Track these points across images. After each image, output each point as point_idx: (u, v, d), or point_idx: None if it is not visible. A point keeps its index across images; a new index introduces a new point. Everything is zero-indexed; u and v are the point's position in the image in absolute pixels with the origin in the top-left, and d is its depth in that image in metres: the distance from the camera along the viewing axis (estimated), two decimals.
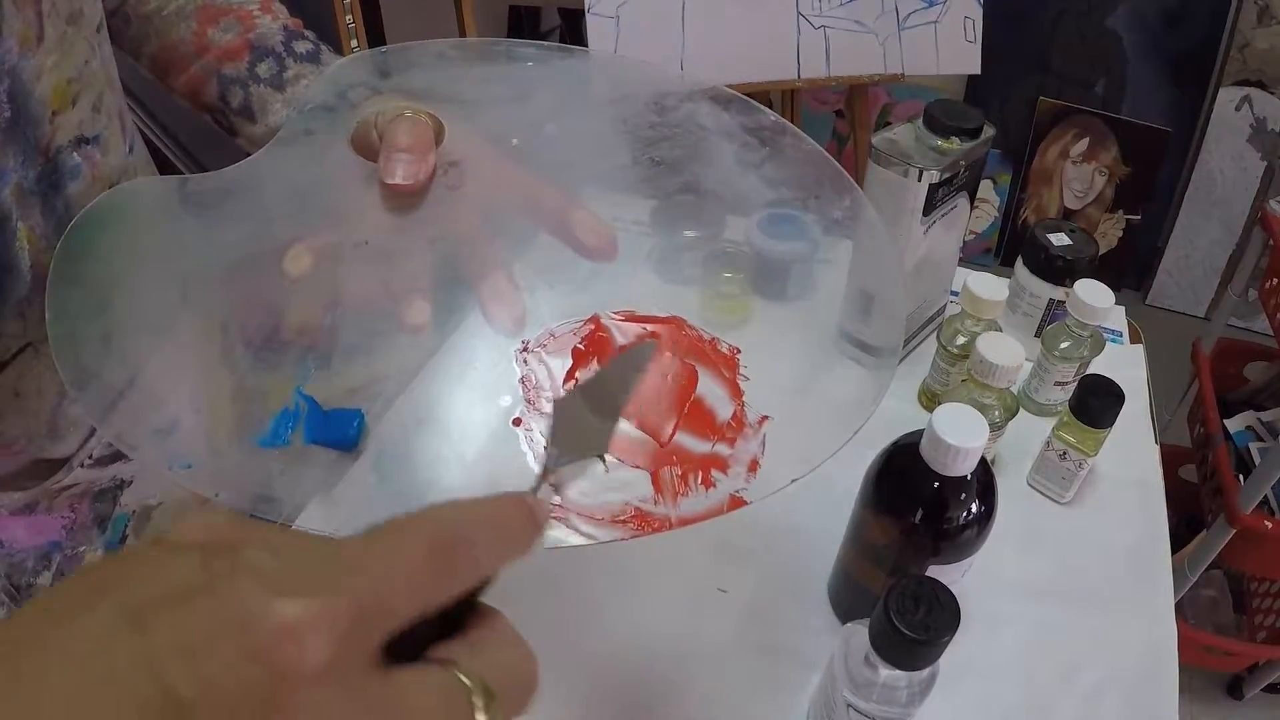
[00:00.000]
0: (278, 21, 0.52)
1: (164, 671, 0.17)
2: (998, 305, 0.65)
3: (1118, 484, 0.65)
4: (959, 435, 0.45)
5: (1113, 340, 0.77)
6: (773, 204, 0.48)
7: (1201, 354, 1.40)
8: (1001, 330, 0.64)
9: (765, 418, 0.40)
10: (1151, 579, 0.60)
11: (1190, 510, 1.35)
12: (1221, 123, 1.91)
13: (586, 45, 1.28)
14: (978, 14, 1.39)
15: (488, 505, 0.24)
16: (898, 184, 0.61)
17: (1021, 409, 0.64)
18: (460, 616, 0.23)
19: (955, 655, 0.41)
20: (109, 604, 0.18)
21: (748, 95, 0.46)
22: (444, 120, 0.41)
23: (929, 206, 0.62)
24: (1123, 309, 0.78)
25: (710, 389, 0.41)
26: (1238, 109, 1.89)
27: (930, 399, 0.70)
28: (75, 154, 0.43)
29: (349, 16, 1.34)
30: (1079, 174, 2.06)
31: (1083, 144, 2.03)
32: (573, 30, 2.09)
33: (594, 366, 0.41)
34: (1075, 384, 0.62)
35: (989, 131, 0.63)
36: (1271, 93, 1.86)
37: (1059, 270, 0.69)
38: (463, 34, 1.44)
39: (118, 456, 0.54)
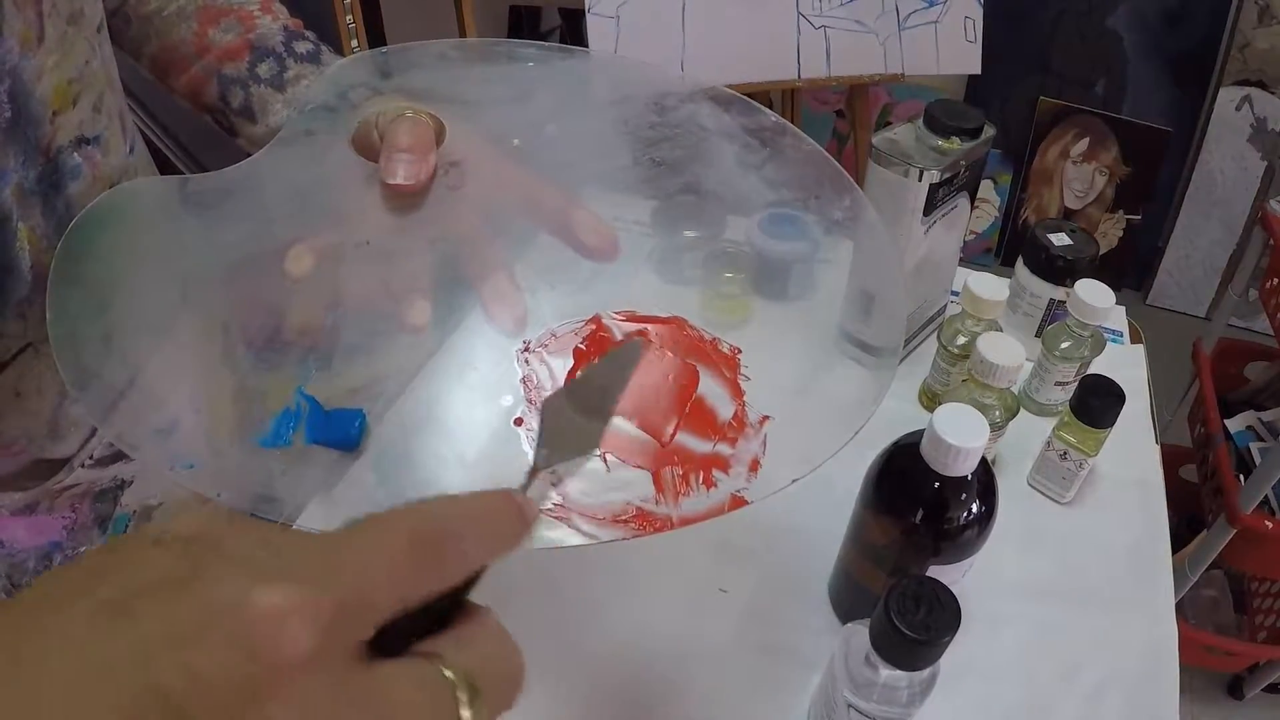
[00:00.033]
0: (278, 22, 0.52)
1: (154, 660, 0.17)
2: (998, 305, 0.65)
3: (1118, 484, 0.65)
4: (959, 435, 0.45)
5: (1113, 340, 0.77)
6: (773, 204, 0.48)
7: (1202, 354, 1.40)
8: (1002, 330, 0.64)
9: (766, 418, 0.40)
10: (1152, 579, 0.60)
11: (1191, 510, 1.35)
12: (1222, 122, 1.91)
13: (587, 45, 1.28)
14: (978, 14, 1.39)
15: (475, 500, 0.24)
16: (898, 184, 0.61)
17: (1022, 409, 0.64)
18: (448, 614, 0.23)
19: (956, 655, 0.41)
20: (103, 592, 0.18)
21: (748, 95, 0.46)
22: (445, 121, 0.41)
23: (929, 206, 0.62)
24: (1123, 309, 0.78)
25: (711, 389, 0.41)
26: (1238, 109, 1.89)
27: (931, 399, 0.70)
28: (76, 154, 0.43)
29: (349, 16, 1.34)
30: (1079, 174, 2.06)
31: (1083, 144, 2.03)
32: (573, 30, 2.09)
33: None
34: (1076, 384, 0.62)
35: (989, 131, 0.63)
36: (1272, 92, 1.86)
37: (1059, 270, 0.69)
38: (463, 34, 1.44)
39: (118, 456, 0.54)
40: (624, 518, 0.36)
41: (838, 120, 2.14)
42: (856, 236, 0.51)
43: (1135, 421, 0.69)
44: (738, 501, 0.37)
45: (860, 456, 0.50)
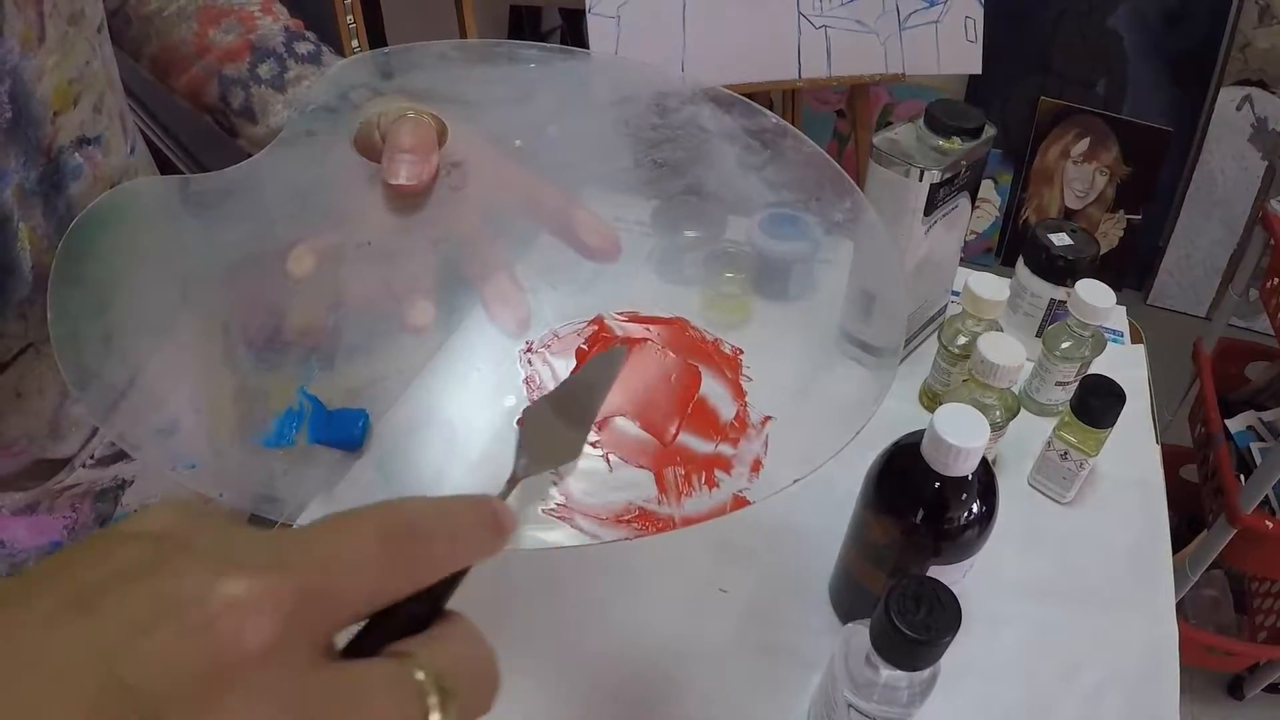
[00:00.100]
0: (279, 22, 0.52)
1: (116, 651, 0.17)
2: (999, 305, 0.65)
3: (1119, 484, 0.65)
4: (960, 435, 0.45)
5: (1114, 340, 0.77)
6: (774, 205, 0.48)
7: (1203, 354, 1.40)
8: (1002, 330, 0.64)
9: (768, 418, 0.40)
10: (1152, 579, 0.60)
11: (1191, 510, 1.36)
12: (1222, 122, 1.91)
13: (587, 45, 1.28)
14: (979, 14, 1.39)
15: (450, 503, 0.24)
16: (899, 184, 0.61)
17: (1022, 409, 0.64)
18: (426, 622, 0.23)
19: (956, 655, 0.41)
20: (67, 587, 0.18)
21: (749, 95, 0.46)
22: (446, 121, 0.41)
23: (930, 206, 0.62)
24: (1124, 309, 0.78)
25: (713, 389, 0.41)
26: (1238, 109, 1.89)
27: (931, 399, 0.70)
28: (76, 154, 0.43)
29: (350, 17, 1.34)
30: (1080, 174, 2.06)
31: (1084, 144, 2.03)
32: (574, 30, 2.09)
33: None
34: (1076, 384, 0.62)
35: (990, 131, 0.63)
36: (1272, 92, 1.86)
37: (1060, 270, 0.69)
38: (463, 34, 1.44)
39: (119, 456, 0.54)
40: (626, 518, 0.36)
41: (838, 120, 2.14)
42: (857, 238, 0.51)
43: (1136, 421, 0.69)
44: (740, 502, 0.37)
45: (861, 456, 0.50)
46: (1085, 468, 0.61)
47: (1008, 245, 2.18)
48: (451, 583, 0.24)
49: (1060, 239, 0.69)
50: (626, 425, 0.39)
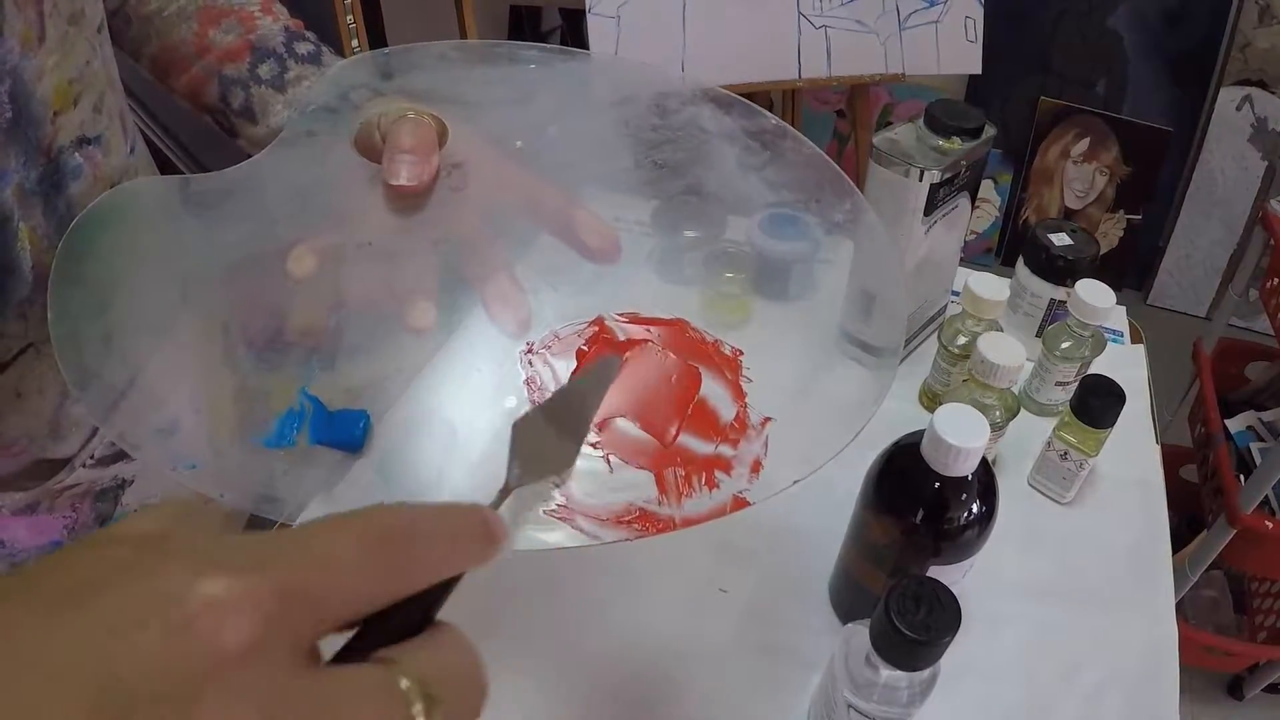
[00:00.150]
0: (279, 23, 0.52)
1: (95, 649, 0.17)
2: (999, 305, 0.65)
3: (1118, 484, 0.65)
4: (960, 435, 0.45)
5: (1114, 340, 0.77)
6: (774, 206, 0.48)
7: (1202, 354, 1.40)
8: (1002, 330, 0.64)
9: (768, 419, 0.40)
10: (1152, 579, 0.60)
11: (1191, 510, 1.36)
12: (1222, 122, 1.91)
13: (587, 45, 1.28)
14: (978, 14, 1.39)
15: (441, 509, 0.24)
16: (899, 184, 0.61)
17: (1022, 409, 0.64)
18: (418, 632, 0.23)
19: (956, 655, 0.41)
20: (51, 588, 0.18)
21: (749, 95, 0.46)
22: (447, 122, 0.41)
23: (930, 206, 0.62)
24: (1124, 309, 0.78)
25: (713, 391, 0.41)
26: (1238, 109, 1.89)
27: (931, 399, 0.70)
28: (77, 154, 0.43)
29: (349, 17, 1.34)
30: (1080, 174, 2.06)
31: (1084, 144, 2.03)
32: (574, 30, 2.09)
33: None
34: (1076, 384, 0.62)
35: (990, 131, 0.63)
36: (1272, 92, 1.86)
37: (1060, 270, 0.69)
38: (463, 34, 1.44)
39: (119, 456, 0.54)
40: (627, 518, 0.36)
41: (838, 120, 2.14)
42: (857, 238, 0.51)
43: (1135, 421, 0.69)
44: (740, 502, 0.37)
45: (861, 457, 0.50)
46: (1085, 468, 0.61)
47: (1008, 245, 2.18)
48: (443, 592, 0.23)
49: (1060, 239, 0.69)
50: (627, 426, 0.39)
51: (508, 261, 0.40)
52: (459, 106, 0.42)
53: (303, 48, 0.51)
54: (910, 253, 0.64)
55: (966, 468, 0.46)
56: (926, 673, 0.42)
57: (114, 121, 0.47)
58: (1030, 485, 0.65)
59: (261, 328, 0.40)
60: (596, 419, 0.36)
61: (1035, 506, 0.64)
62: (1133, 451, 0.67)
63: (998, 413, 0.60)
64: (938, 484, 0.47)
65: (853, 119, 1.58)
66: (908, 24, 1.38)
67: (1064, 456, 0.62)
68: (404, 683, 0.21)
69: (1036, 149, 2.06)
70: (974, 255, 2.18)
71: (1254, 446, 1.32)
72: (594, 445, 0.38)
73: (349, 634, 0.22)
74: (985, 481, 0.48)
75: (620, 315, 0.43)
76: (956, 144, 0.61)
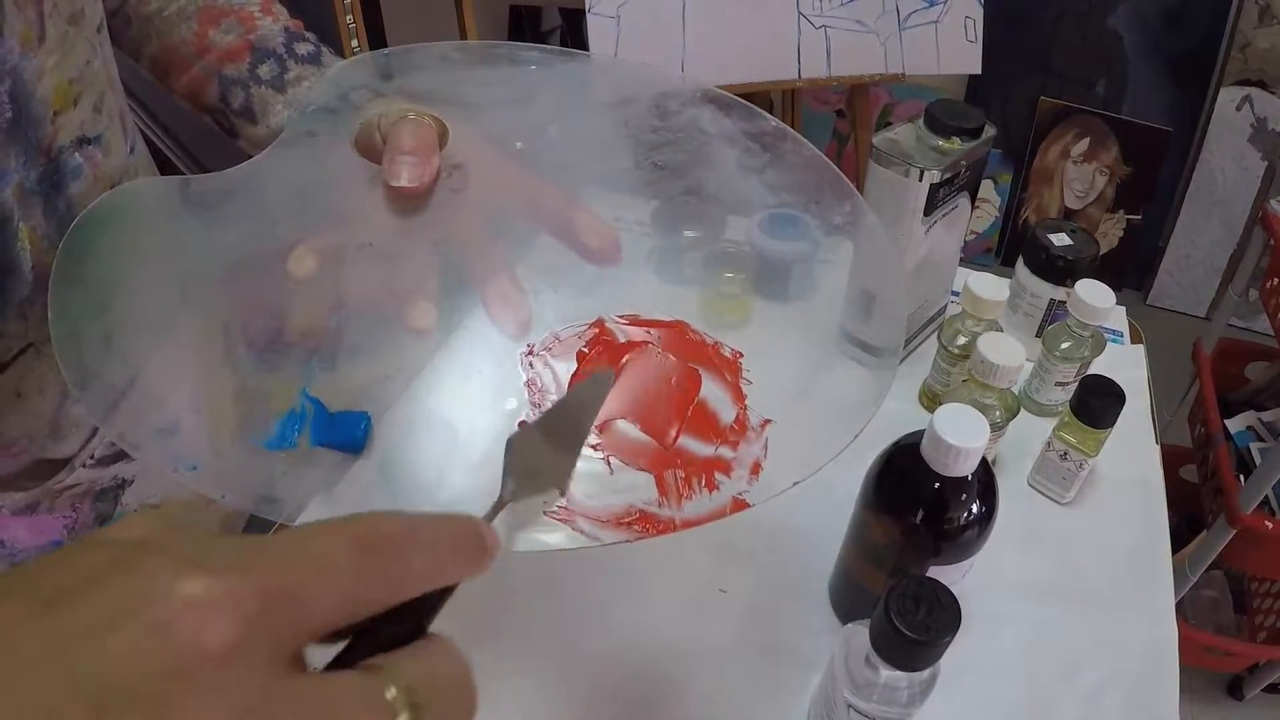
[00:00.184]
0: (279, 23, 0.52)
1: (74, 649, 0.17)
2: (998, 305, 0.65)
3: (1118, 484, 0.65)
4: (960, 435, 0.45)
5: (1113, 340, 0.77)
6: (773, 208, 0.48)
7: (1202, 354, 1.40)
8: (1002, 330, 0.65)
9: (768, 421, 0.40)
10: (1152, 579, 0.60)
11: (1191, 510, 1.36)
12: (1222, 122, 1.91)
13: (587, 45, 1.28)
14: (978, 14, 1.39)
15: (433, 520, 0.24)
16: (899, 184, 0.61)
17: (1022, 409, 0.64)
18: (409, 644, 0.22)
19: (956, 656, 0.41)
20: (35, 589, 0.18)
21: (748, 95, 0.46)
22: (447, 123, 0.41)
23: (930, 206, 0.62)
24: (1123, 309, 0.78)
25: (713, 393, 0.41)
26: (1238, 109, 1.89)
27: (931, 399, 0.70)
28: (77, 154, 0.43)
29: (349, 17, 1.34)
30: (1080, 174, 2.06)
31: (1083, 144, 2.03)
32: (574, 30, 2.09)
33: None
34: (1076, 384, 0.62)
35: (990, 131, 0.63)
36: (1272, 92, 1.86)
37: (1060, 270, 0.69)
38: (463, 33, 1.44)
39: (119, 456, 0.54)
40: (627, 520, 0.36)
41: (838, 120, 2.14)
42: (856, 241, 0.51)
43: (1135, 421, 0.69)
44: (739, 504, 0.37)
45: (860, 457, 0.50)
46: (1085, 468, 0.61)
47: (1008, 245, 2.18)
48: (435, 604, 0.23)
49: (1060, 239, 0.69)
50: (627, 428, 0.39)
51: (508, 262, 0.40)
52: (459, 107, 0.42)
53: (303, 48, 0.51)
54: (910, 253, 0.64)
55: (966, 468, 0.46)
56: (926, 673, 0.42)
57: (114, 121, 0.47)
58: (1030, 485, 0.65)
59: (262, 328, 0.40)
60: (596, 422, 0.36)
61: (1035, 506, 0.64)
62: (1133, 451, 0.67)
63: (998, 413, 0.60)
64: (938, 484, 0.47)
65: (852, 119, 1.58)
66: (908, 24, 1.38)
67: (1064, 457, 0.62)
68: (390, 691, 0.20)
69: (1036, 149, 2.06)
70: (974, 255, 2.18)
71: (1254, 446, 1.32)
72: (594, 447, 0.38)
73: (341, 646, 0.22)
74: (985, 481, 0.48)
75: (620, 317, 0.43)
76: (956, 144, 0.61)
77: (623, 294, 0.44)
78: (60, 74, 0.41)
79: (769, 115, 0.46)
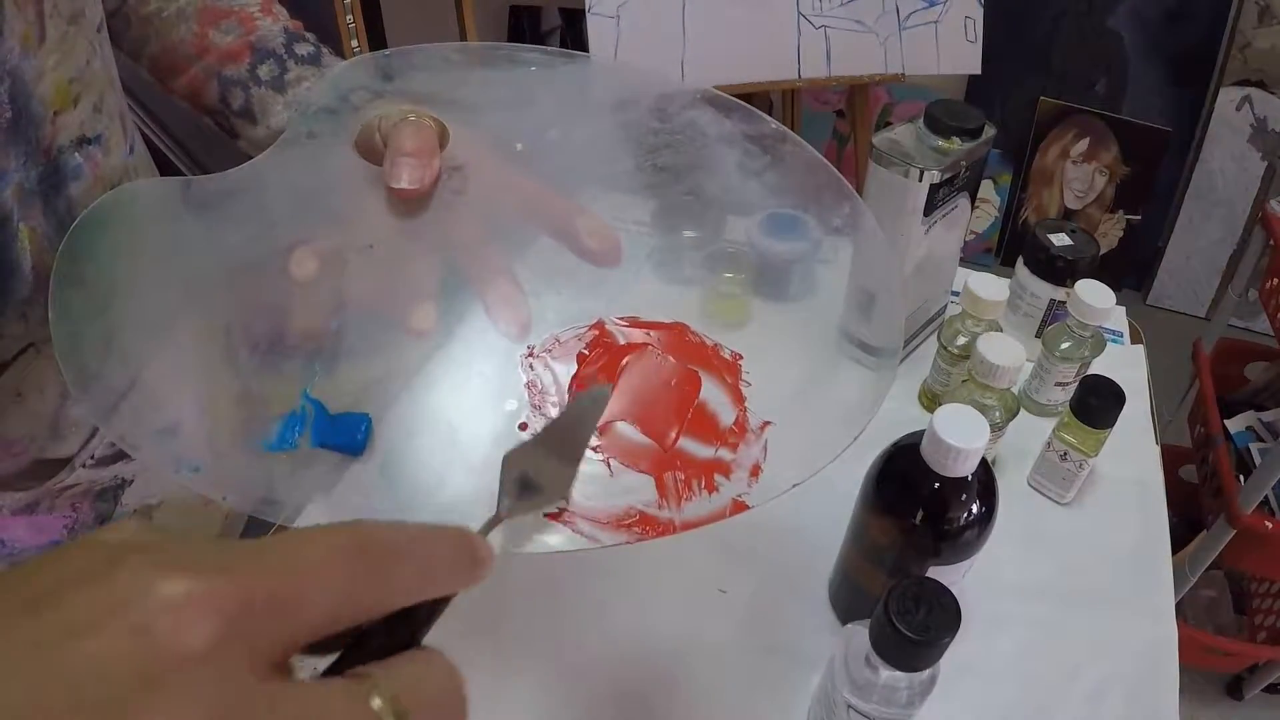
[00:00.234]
0: (279, 23, 0.52)
1: (53, 648, 0.17)
2: (998, 305, 0.65)
3: (1118, 484, 0.65)
4: (960, 436, 0.45)
5: (1113, 340, 0.77)
6: (773, 209, 0.48)
7: (1202, 354, 1.40)
8: (1002, 330, 0.65)
9: (767, 423, 0.40)
10: (1152, 579, 0.60)
11: (1190, 510, 1.36)
12: (1222, 122, 1.91)
13: (587, 45, 1.28)
14: (978, 14, 1.39)
15: (427, 530, 0.23)
16: (898, 184, 0.61)
17: (1022, 409, 0.64)
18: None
19: (956, 656, 0.41)
20: (19, 591, 0.19)
21: (748, 95, 0.46)
22: (447, 124, 0.41)
23: (930, 206, 0.62)
24: (1123, 309, 0.78)
25: (713, 395, 0.41)
26: (1238, 109, 1.89)
27: (931, 399, 0.70)
28: (77, 154, 0.43)
29: (349, 17, 1.34)
30: (1079, 174, 2.06)
31: (1083, 144, 2.03)
32: (574, 30, 2.09)
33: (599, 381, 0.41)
34: (1076, 384, 0.62)
35: (990, 131, 0.63)
36: (1272, 92, 1.86)
37: (1060, 270, 0.69)
38: (463, 34, 1.44)
39: (119, 456, 0.54)
40: (627, 522, 0.36)
41: (838, 120, 2.14)
42: (856, 243, 0.51)
43: (1135, 422, 0.69)
44: (739, 506, 0.37)
45: (860, 457, 0.50)
46: (1085, 468, 0.61)
47: (1007, 245, 2.18)
48: (429, 617, 0.23)
49: (1060, 239, 0.69)
50: (627, 430, 0.39)
51: (508, 264, 0.40)
52: (460, 109, 0.42)
53: (303, 49, 0.51)
54: (910, 253, 0.64)
55: (966, 468, 0.46)
56: (926, 673, 0.42)
57: (114, 121, 0.47)
58: (1030, 485, 0.65)
59: (263, 330, 0.40)
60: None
61: (1035, 507, 0.64)
62: (1132, 452, 0.67)
63: (997, 413, 0.60)
64: (937, 484, 0.47)
65: (852, 119, 1.58)
66: (907, 24, 1.38)
67: (1064, 457, 0.62)
68: (376, 701, 0.20)
69: (1036, 149, 2.06)
70: (974, 255, 2.18)
71: (1254, 447, 1.32)
72: (595, 449, 0.38)
73: (333, 658, 0.22)
74: (985, 482, 0.48)
75: (620, 319, 0.43)
76: (956, 144, 0.61)
77: (623, 295, 0.44)
78: (60, 74, 0.41)
79: (769, 118, 0.46)
